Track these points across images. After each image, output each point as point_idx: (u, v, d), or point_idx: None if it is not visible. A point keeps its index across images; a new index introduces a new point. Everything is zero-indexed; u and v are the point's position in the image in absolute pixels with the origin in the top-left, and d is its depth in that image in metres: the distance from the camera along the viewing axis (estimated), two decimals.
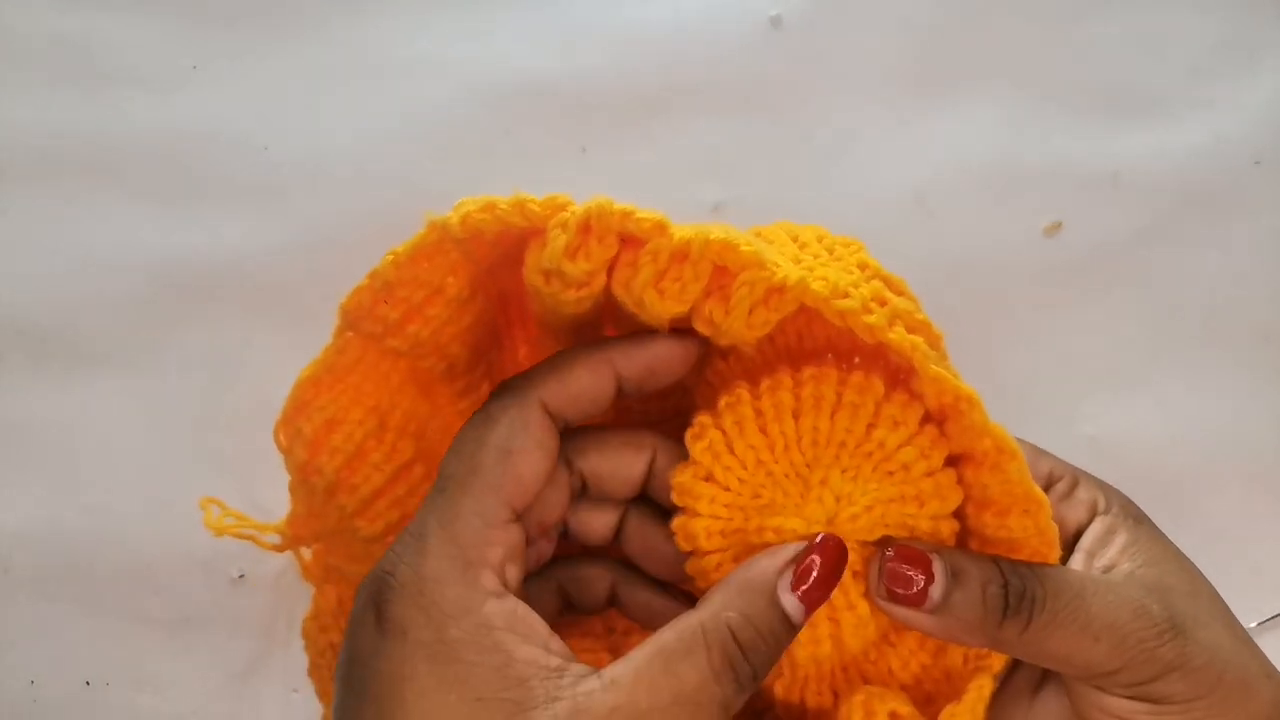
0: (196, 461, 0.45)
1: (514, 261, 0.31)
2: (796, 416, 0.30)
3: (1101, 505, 0.31)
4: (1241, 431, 0.43)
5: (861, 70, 0.46)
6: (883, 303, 0.30)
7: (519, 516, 0.27)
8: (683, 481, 0.30)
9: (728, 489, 0.30)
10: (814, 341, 0.32)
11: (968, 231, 0.45)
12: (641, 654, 0.25)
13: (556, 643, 0.26)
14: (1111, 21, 0.46)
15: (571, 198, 0.29)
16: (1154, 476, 0.42)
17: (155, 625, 0.44)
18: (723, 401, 0.30)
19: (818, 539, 0.27)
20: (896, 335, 0.28)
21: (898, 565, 0.27)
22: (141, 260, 0.46)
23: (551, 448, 0.28)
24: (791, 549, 0.27)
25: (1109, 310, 0.44)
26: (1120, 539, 0.30)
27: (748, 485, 0.30)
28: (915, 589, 0.27)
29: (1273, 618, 0.40)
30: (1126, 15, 0.46)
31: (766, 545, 0.29)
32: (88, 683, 0.44)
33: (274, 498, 0.43)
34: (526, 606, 0.26)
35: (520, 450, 0.27)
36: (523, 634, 0.25)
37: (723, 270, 0.29)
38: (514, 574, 0.27)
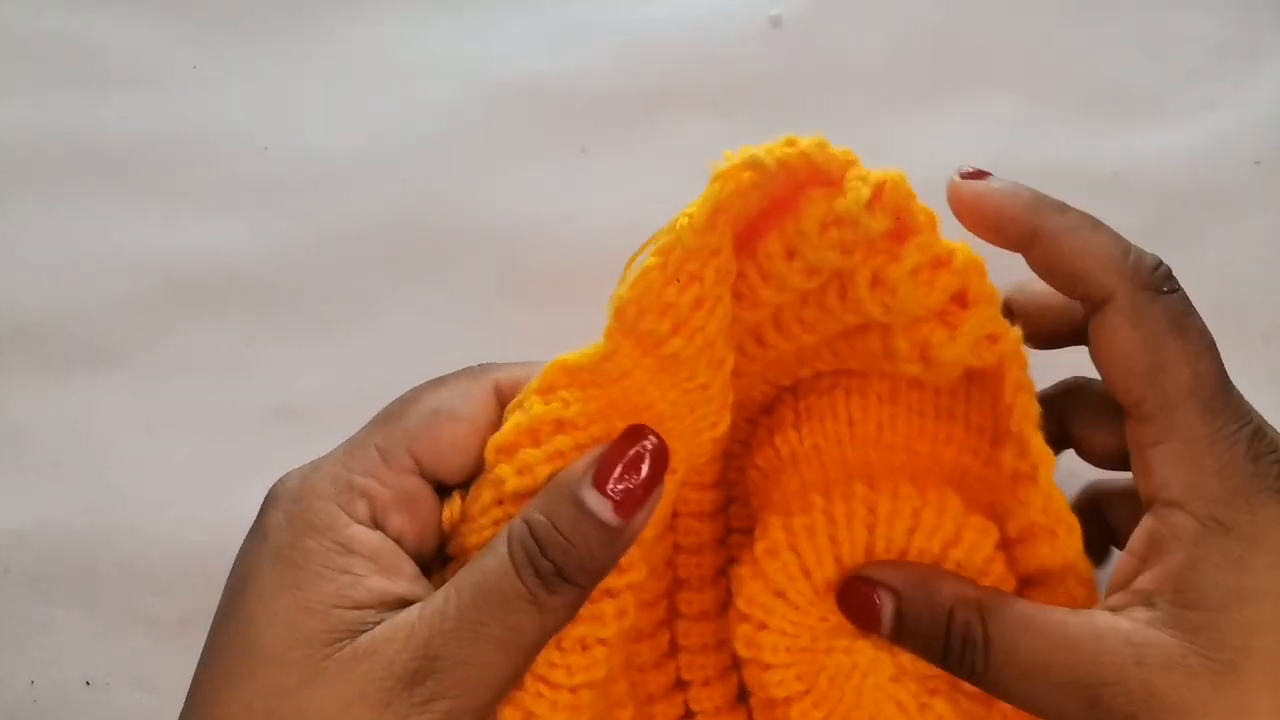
0: (196, 461, 0.45)
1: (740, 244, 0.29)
2: (871, 532, 0.29)
3: (1176, 492, 0.27)
4: None
5: (861, 70, 0.46)
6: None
7: (425, 474, 0.27)
8: (753, 593, 0.30)
9: (797, 608, 0.30)
10: (893, 434, 0.31)
11: (966, 232, 0.45)
12: (462, 565, 0.26)
13: (420, 589, 0.26)
14: (1111, 22, 0.46)
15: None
16: None
17: (155, 625, 0.44)
18: (798, 523, 0.30)
19: (623, 432, 0.27)
20: (1037, 441, 0.28)
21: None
22: (141, 260, 0.46)
23: (485, 430, 0.28)
24: (594, 451, 0.27)
25: None
26: (1174, 557, 0.26)
27: (816, 608, 0.30)
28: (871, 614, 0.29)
29: None
30: (1126, 16, 0.46)
31: (838, 665, 0.30)
32: (88, 682, 0.44)
33: None
34: (397, 549, 0.26)
35: (449, 414, 0.27)
36: (382, 567, 0.26)
37: (962, 294, 0.28)
38: (399, 522, 0.27)
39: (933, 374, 0.29)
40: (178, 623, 0.44)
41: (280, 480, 0.27)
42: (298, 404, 0.45)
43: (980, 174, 0.30)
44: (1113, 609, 0.26)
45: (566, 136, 0.47)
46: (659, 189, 0.47)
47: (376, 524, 0.26)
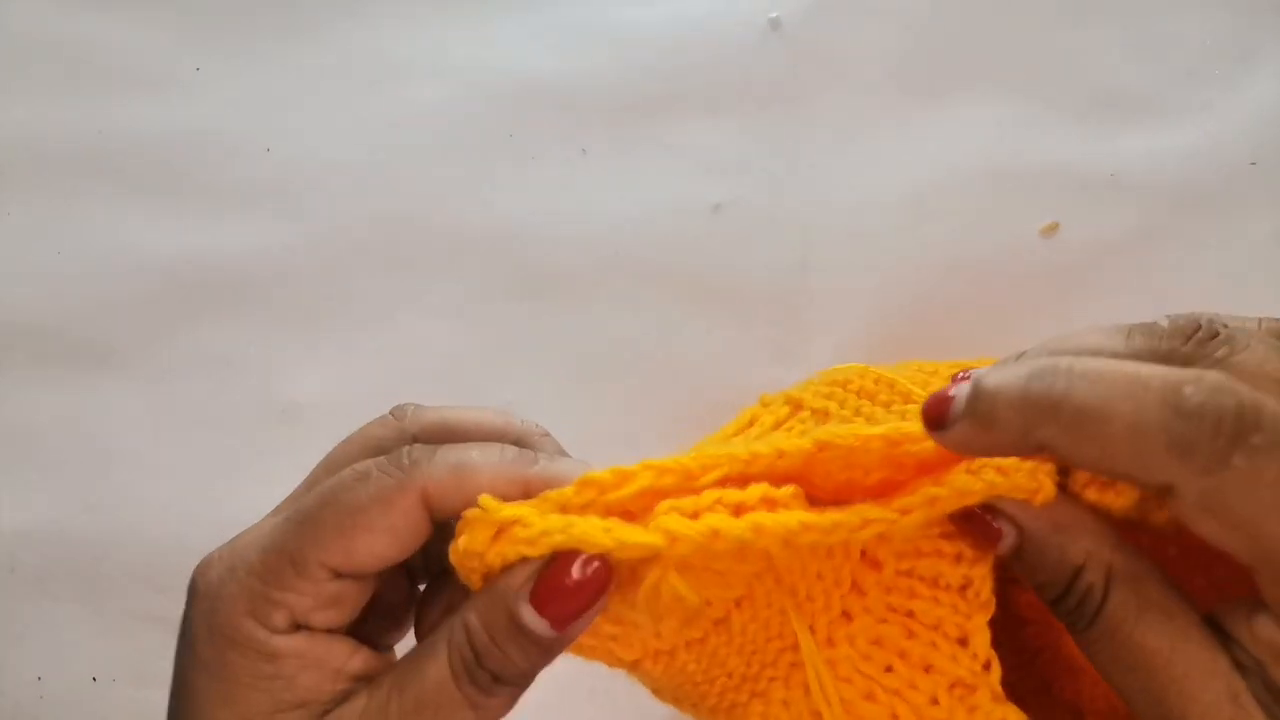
0: (199, 460, 0.45)
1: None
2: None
3: None
4: None
5: (860, 71, 0.46)
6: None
7: (342, 576, 0.26)
8: None
9: None
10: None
11: (965, 232, 0.45)
12: (405, 658, 0.26)
13: (358, 663, 0.26)
14: (1109, 24, 0.46)
15: None
16: None
17: (160, 622, 0.44)
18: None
19: (557, 555, 0.25)
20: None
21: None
22: (143, 260, 0.46)
23: (407, 540, 0.26)
24: (538, 562, 0.25)
25: (1106, 311, 0.44)
26: None
27: None
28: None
29: None
30: (1124, 17, 0.46)
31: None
32: (94, 679, 0.44)
33: (274, 498, 0.44)
34: (325, 637, 0.26)
35: (365, 528, 0.25)
36: (312, 661, 0.26)
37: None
38: (325, 619, 0.26)
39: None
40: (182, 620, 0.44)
41: (201, 573, 0.27)
42: (298, 404, 0.45)
43: (940, 413, 0.26)
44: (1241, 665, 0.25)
45: (566, 136, 0.47)
46: (659, 189, 0.47)
47: (299, 626, 0.26)
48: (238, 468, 0.44)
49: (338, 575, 0.26)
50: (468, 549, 0.25)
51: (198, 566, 0.27)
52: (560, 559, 0.25)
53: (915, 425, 0.26)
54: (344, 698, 0.26)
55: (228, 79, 0.48)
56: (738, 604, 0.30)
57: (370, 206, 0.46)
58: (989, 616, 0.29)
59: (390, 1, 0.49)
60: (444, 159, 0.47)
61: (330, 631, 0.26)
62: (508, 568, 0.25)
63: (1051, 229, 0.45)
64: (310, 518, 0.26)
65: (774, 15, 0.47)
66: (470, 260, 0.46)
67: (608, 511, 0.25)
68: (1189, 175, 0.45)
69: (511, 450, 0.27)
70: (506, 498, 0.26)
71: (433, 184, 0.47)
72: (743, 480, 0.26)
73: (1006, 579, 0.37)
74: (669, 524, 0.25)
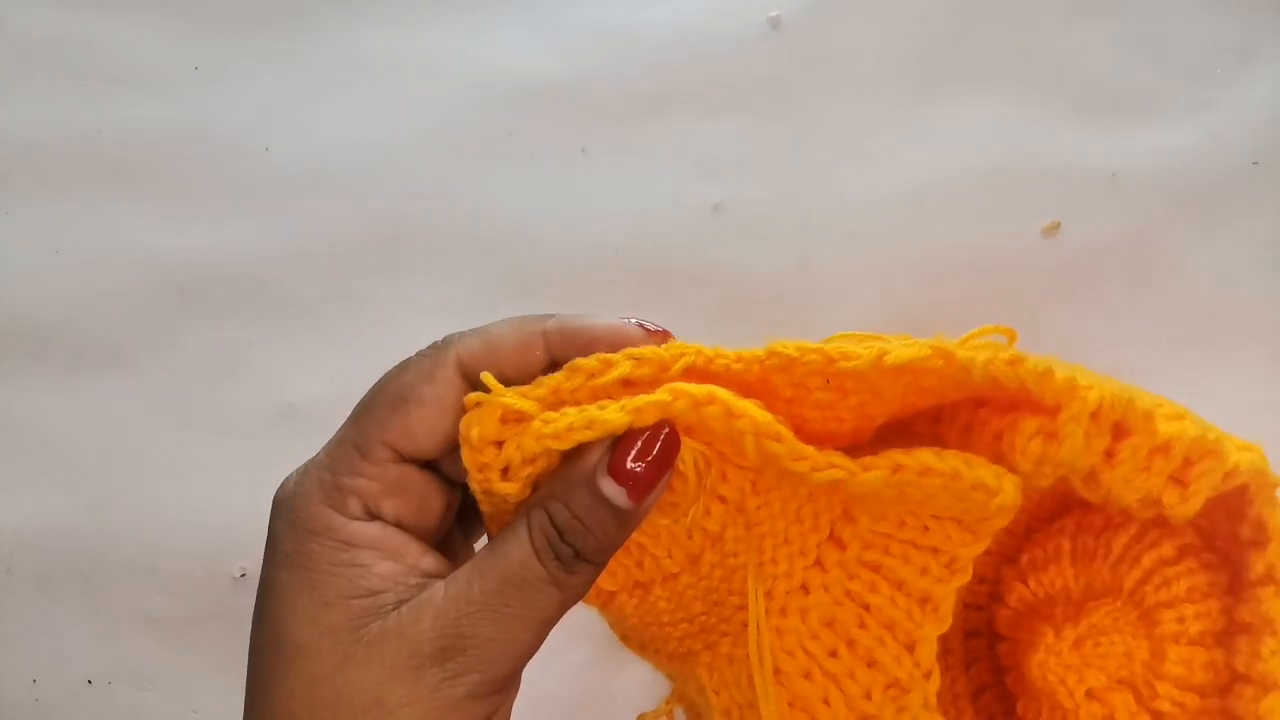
0: (198, 461, 0.45)
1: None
2: None
3: None
4: (1241, 431, 0.43)
5: (860, 71, 0.47)
6: None
7: (404, 458, 0.28)
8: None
9: None
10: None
11: (966, 231, 0.45)
12: (482, 549, 0.27)
13: (430, 562, 0.28)
14: (1110, 23, 0.46)
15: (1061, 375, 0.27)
16: None
17: (157, 624, 0.44)
18: None
19: (642, 432, 0.27)
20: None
21: None
22: (142, 260, 0.46)
23: (455, 411, 0.28)
24: (608, 439, 0.27)
25: (1107, 310, 0.44)
26: None
27: None
28: None
29: None
30: (1125, 17, 0.46)
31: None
32: (90, 681, 0.44)
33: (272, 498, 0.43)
34: (399, 532, 0.28)
35: (415, 401, 0.27)
36: (387, 552, 0.27)
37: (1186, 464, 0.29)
38: (394, 507, 0.28)
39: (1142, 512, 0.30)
40: (180, 622, 0.44)
41: (280, 487, 0.28)
42: (298, 404, 0.45)
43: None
44: None
45: (566, 136, 0.47)
46: (659, 189, 0.47)
47: (371, 515, 0.28)
48: (238, 468, 0.44)
49: (400, 457, 0.28)
50: (481, 436, 0.27)
51: (278, 489, 0.28)
52: (630, 434, 0.27)
53: (855, 348, 0.28)
54: (417, 587, 0.27)
55: (228, 79, 0.48)
56: (711, 542, 0.31)
57: (370, 206, 0.46)
58: (941, 632, 0.30)
59: (390, 1, 0.49)
60: (444, 159, 0.47)
61: (402, 526, 0.28)
62: (574, 451, 0.27)
63: (1052, 229, 0.45)
64: (365, 405, 0.28)
65: (774, 15, 0.47)
66: (470, 260, 0.46)
67: (594, 395, 0.27)
68: (1189, 175, 0.45)
69: (530, 316, 0.29)
70: (530, 358, 0.28)
71: (433, 184, 0.47)
72: (704, 374, 0.28)
73: (992, 595, 0.37)
74: (672, 386, 0.27)
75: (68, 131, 0.48)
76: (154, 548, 0.44)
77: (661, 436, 0.27)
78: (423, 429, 0.27)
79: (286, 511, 0.27)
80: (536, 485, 0.28)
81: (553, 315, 0.29)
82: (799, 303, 0.45)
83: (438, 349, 0.28)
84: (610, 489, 0.27)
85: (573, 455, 0.27)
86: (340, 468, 0.27)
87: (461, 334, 0.29)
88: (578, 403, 0.27)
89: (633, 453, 0.27)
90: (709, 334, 0.45)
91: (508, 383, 0.28)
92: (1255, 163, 0.45)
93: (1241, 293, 0.44)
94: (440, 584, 0.27)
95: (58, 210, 0.47)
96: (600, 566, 0.28)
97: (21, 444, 0.45)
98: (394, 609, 0.26)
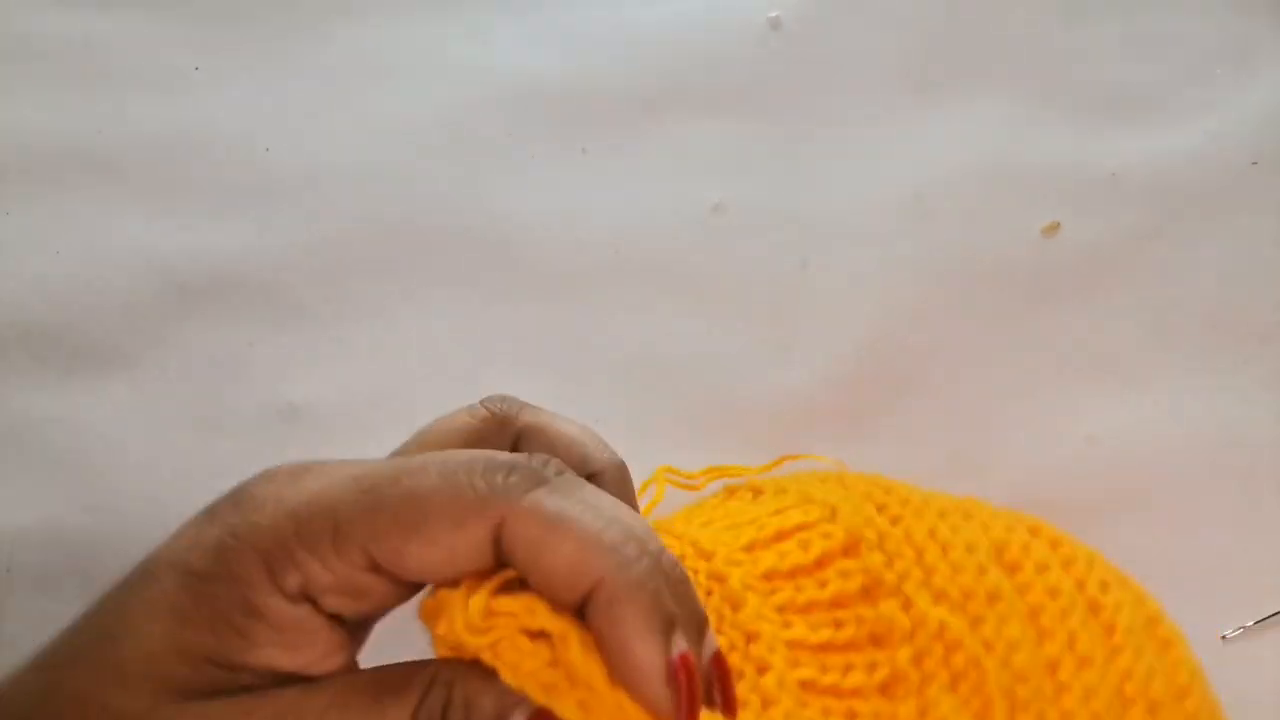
0: (197, 461, 0.45)
1: None
2: None
3: None
4: (1241, 431, 0.43)
5: (860, 71, 0.47)
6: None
7: (378, 570, 0.23)
8: None
9: None
10: None
11: (966, 232, 0.45)
12: (369, 669, 0.23)
13: (334, 660, 0.23)
14: (1109, 23, 0.46)
15: None
16: (1153, 476, 0.42)
17: None
18: None
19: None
20: None
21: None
22: (142, 260, 0.46)
23: (463, 565, 0.22)
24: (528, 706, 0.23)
25: (1107, 310, 0.44)
26: None
27: None
28: None
29: (1272, 615, 0.41)
30: (1124, 17, 0.46)
31: None
32: None
33: None
34: (317, 623, 0.23)
35: (430, 539, 0.22)
36: (286, 641, 0.22)
37: None
38: (338, 603, 0.23)
39: None
40: None
41: (266, 477, 0.24)
42: (298, 404, 0.45)
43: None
44: None
45: (566, 136, 0.47)
46: (659, 189, 0.47)
47: (307, 597, 0.23)
48: (237, 468, 0.44)
49: (375, 569, 0.22)
50: (446, 636, 0.22)
51: (263, 473, 0.24)
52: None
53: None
54: (280, 682, 0.23)
55: (228, 79, 0.48)
56: None
57: (370, 206, 0.46)
58: None
59: (390, 1, 0.49)
60: (444, 158, 0.47)
61: (336, 617, 0.23)
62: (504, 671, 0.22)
63: (1052, 229, 0.45)
64: (376, 492, 0.22)
65: (774, 15, 0.47)
66: (470, 260, 0.46)
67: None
68: (1189, 175, 0.45)
69: (615, 524, 0.22)
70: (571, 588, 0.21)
71: (432, 184, 0.47)
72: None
73: None
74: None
75: (68, 131, 0.47)
76: (154, 548, 0.44)
77: None
78: (417, 562, 0.22)
79: (233, 522, 0.23)
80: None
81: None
82: (799, 303, 0.45)
83: (492, 490, 0.22)
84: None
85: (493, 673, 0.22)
86: (305, 534, 0.22)
87: (528, 490, 0.22)
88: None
89: None
90: (709, 334, 0.45)
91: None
92: (1255, 163, 0.45)
93: (1241, 293, 0.44)
94: (295, 693, 0.22)
95: (58, 210, 0.47)
96: None
97: (21, 444, 0.45)
98: (238, 694, 0.22)
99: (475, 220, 0.46)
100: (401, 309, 0.46)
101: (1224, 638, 0.41)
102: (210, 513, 0.24)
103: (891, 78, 0.46)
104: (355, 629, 0.25)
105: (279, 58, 0.48)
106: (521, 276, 0.46)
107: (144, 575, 0.23)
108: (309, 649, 0.23)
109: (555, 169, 0.47)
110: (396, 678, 0.23)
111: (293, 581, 0.22)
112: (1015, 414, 0.43)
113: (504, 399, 0.28)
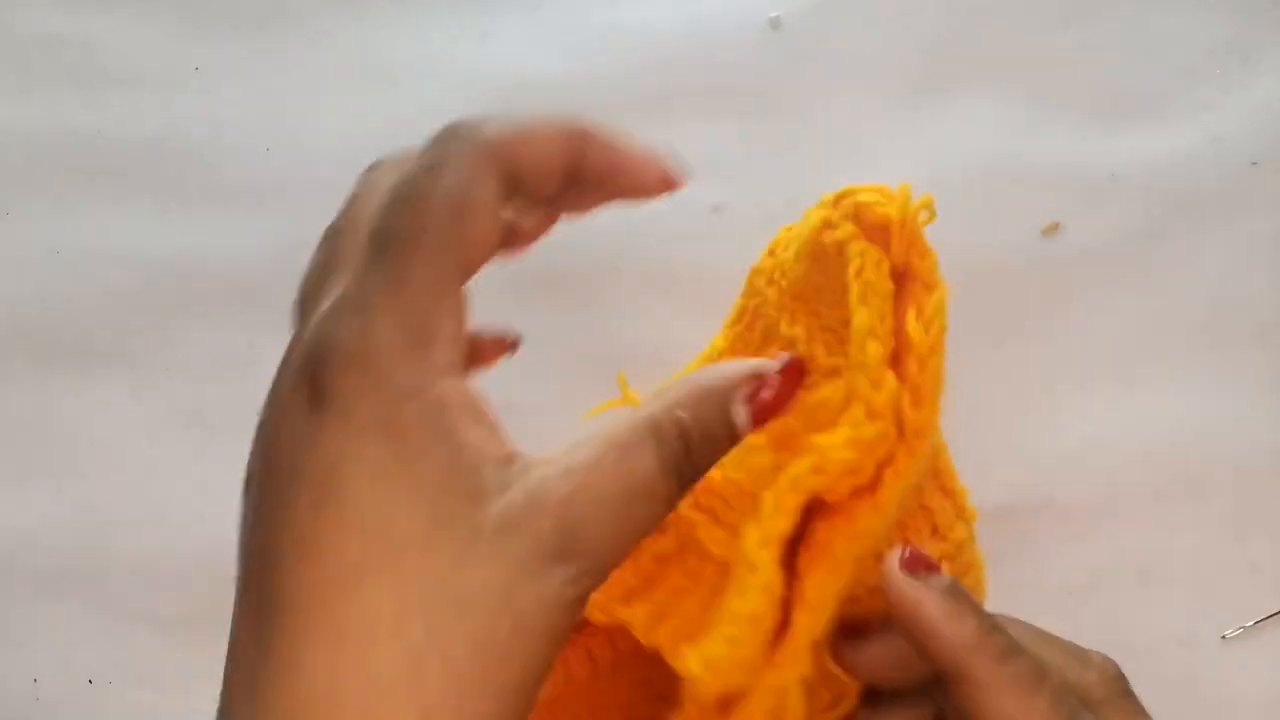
0: (198, 461, 0.45)
1: None
2: None
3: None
4: (1241, 431, 0.43)
5: (861, 71, 0.47)
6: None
7: (464, 283, 0.24)
8: None
9: None
10: None
11: (965, 232, 0.45)
12: (594, 444, 0.24)
13: (503, 430, 0.24)
14: (1109, 23, 0.46)
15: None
16: (1153, 475, 0.42)
17: (158, 624, 0.44)
18: None
19: (778, 362, 0.26)
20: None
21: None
22: (142, 260, 0.46)
23: (500, 210, 0.24)
24: (750, 365, 0.26)
25: (1107, 311, 0.44)
26: None
27: None
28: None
29: (1272, 615, 0.41)
30: (1124, 17, 0.46)
31: None
32: (90, 681, 0.44)
33: None
34: (469, 382, 0.23)
35: (474, 210, 0.23)
36: (474, 417, 0.22)
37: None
38: (459, 352, 0.23)
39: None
40: (181, 621, 0.44)
41: (316, 350, 0.23)
42: None
43: (926, 566, 0.28)
44: None
45: None
46: None
47: (454, 365, 0.23)
48: (237, 468, 0.44)
49: (464, 283, 0.24)
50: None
51: (298, 365, 0.23)
52: (769, 372, 0.26)
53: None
54: (508, 463, 0.22)
55: (227, 78, 0.48)
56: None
57: None
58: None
59: (390, 1, 0.49)
60: None
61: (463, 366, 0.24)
62: (719, 368, 0.26)
63: (1052, 229, 0.45)
64: (416, 230, 0.23)
65: (774, 15, 0.47)
66: None
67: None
68: (1189, 175, 0.45)
69: (558, 115, 0.25)
70: (559, 162, 0.25)
71: None
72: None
73: None
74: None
75: (65, 131, 0.47)
76: (154, 547, 0.44)
77: (795, 367, 0.26)
78: (484, 239, 0.23)
79: (361, 370, 0.21)
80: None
81: (583, 119, 0.25)
82: None
83: (467, 136, 0.23)
84: (741, 417, 0.25)
85: (703, 368, 0.26)
86: (419, 308, 0.22)
87: (485, 119, 0.24)
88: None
89: (770, 387, 0.25)
90: (709, 335, 0.45)
91: (521, 180, 0.24)
92: (1255, 163, 0.45)
93: (1241, 293, 0.44)
94: (547, 472, 0.22)
95: (58, 210, 0.47)
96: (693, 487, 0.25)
97: (21, 443, 0.45)
98: (499, 494, 0.22)
99: None
100: None
101: (1224, 638, 0.41)
102: (324, 379, 0.22)
103: (891, 78, 0.46)
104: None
105: (281, 58, 0.48)
106: (521, 276, 0.46)
107: (329, 468, 0.22)
108: (482, 411, 0.23)
109: None
110: (627, 431, 0.24)
111: (439, 354, 0.22)
112: (1015, 413, 0.43)
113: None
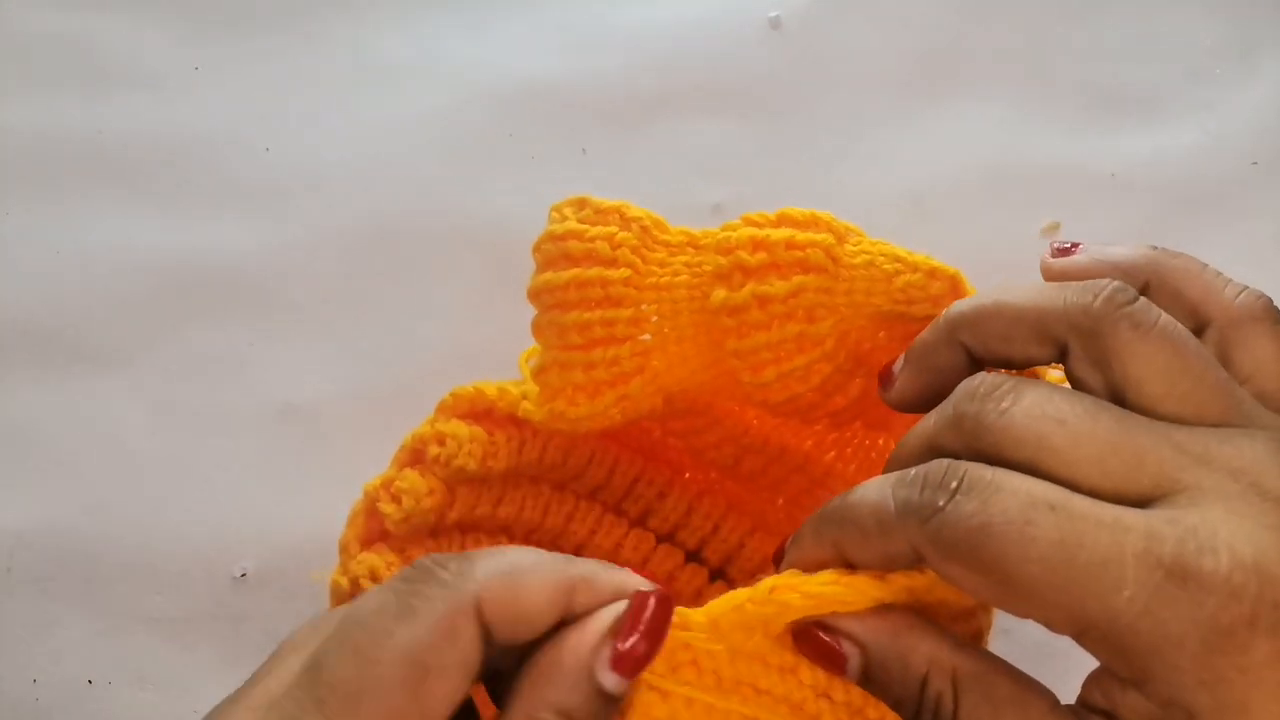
0: (197, 461, 0.45)
1: None
2: None
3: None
4: None
5: (860, 71, 0.47)
6: None
7: None
8: None
9: None
10: None
11: (965, 232, 0.45)
12: None
13: None
14: (1110, 22, 0.46)
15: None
16: None
17: (157, 624, 0.44)
18: None
19: (635, 597, 0.23)
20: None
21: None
22: (142, 260, 0.46)
23: (474, 669, 0.22)
24: (605, 616, 0.23)
25: None
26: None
27: None
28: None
29: None
30: (1125, 16, 0.46)
31: None
32: (90, 681, 0.44)
33: (272, 498, 0.43)
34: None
35: (439, 672, 0.21)
36: None
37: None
38: None
39: None
40: (180, 622, 0.44)
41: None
42: (298, 404, 0.45)
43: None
44: None
45: (567, 137, 0.47)
46: (659, 189, 0.47)
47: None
48: (237, 468, 0.44)
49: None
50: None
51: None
52: (630, 614, 0.23)
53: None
54: None
55: (227, 78, 0.48)
56: None
57: (370, 206, 0.46)
58: None
59: (390, 1, 0.49)
60: (444, 159, 0.47)
61: None
62: (576, 625, 0.23)
63: (1052, 229, 0.45)
64: (359, 688, 0.21)
65: (774, 15, 0.47)
66: (470, 260, 0.46)
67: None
68: (1189, 175, 0.45)
69: (544, 551, 0.23)
70: (554, 613, 0.23)
71: (432, 184, 0.47)
72: None
73: None
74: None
75: (65, 131, 0.47)
76: (154, 548, 0.44)
77: (655, 604, 0.23)
78: (444, 705, 0.21)
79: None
80: None
81: (578, 563, 0.24)
82: None
83: (451, 588, 0.22)
84: (611, 681, 0.22)
85: (552, 644, 0.23)
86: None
87: (471, 565, 0.22)
88: None
89: (635, 635, 0.22)
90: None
91: (511, 639, 0.22)
92: (1255, 163, 0.45)
93: None
94: None
95: (58, 210, 0.47)
96: None
97: (21, 444, 0.45)
98: None
99: (475, 220, 0.46)
100: (401, 309, 0.46)
101: None
102: None
103: (891, 78, 0.46)
104: None
105: (280, 58, 0.48)
106: (522, 276, 0.46)
107: None
108: None
109: (555, 169, 0.47)
110: None
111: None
112: None
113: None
